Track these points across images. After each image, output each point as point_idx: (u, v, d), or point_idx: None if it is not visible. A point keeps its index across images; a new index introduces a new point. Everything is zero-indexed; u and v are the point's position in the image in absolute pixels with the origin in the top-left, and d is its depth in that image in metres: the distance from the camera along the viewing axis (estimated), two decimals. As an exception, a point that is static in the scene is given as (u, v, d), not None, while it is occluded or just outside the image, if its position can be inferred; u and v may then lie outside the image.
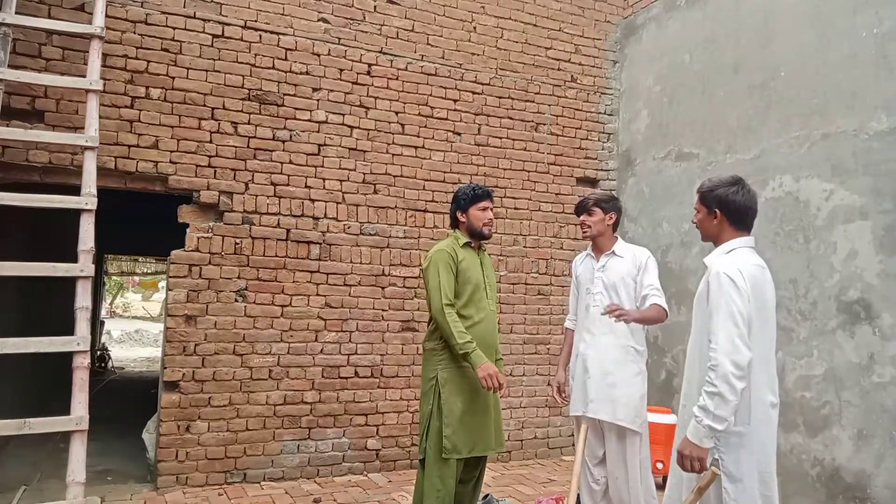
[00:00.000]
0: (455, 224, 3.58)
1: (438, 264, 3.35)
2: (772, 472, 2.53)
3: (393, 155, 5.30)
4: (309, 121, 5.02)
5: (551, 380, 3.99)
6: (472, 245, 3.52)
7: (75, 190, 3.77)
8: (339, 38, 5.16)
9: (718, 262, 2.55)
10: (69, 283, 3.57)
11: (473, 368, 3.24)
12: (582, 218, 3.73)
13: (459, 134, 5.56)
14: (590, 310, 3.70)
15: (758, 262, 2.59)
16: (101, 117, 4.08)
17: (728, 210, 2.61)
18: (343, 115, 5.14)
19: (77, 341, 3.40)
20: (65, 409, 3.33)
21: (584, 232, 3.76)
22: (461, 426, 3.29)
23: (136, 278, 21.95)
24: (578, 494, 4.01)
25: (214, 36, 4.78)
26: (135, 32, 4.57)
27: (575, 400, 3.72)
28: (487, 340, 3.42)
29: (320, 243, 5.01)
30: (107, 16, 4.25)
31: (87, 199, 3.67)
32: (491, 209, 3.53)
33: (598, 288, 3.66)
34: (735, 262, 2.52)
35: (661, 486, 3.60)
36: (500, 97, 5.72)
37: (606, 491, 3.66)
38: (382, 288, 5.19)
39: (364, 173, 5.19)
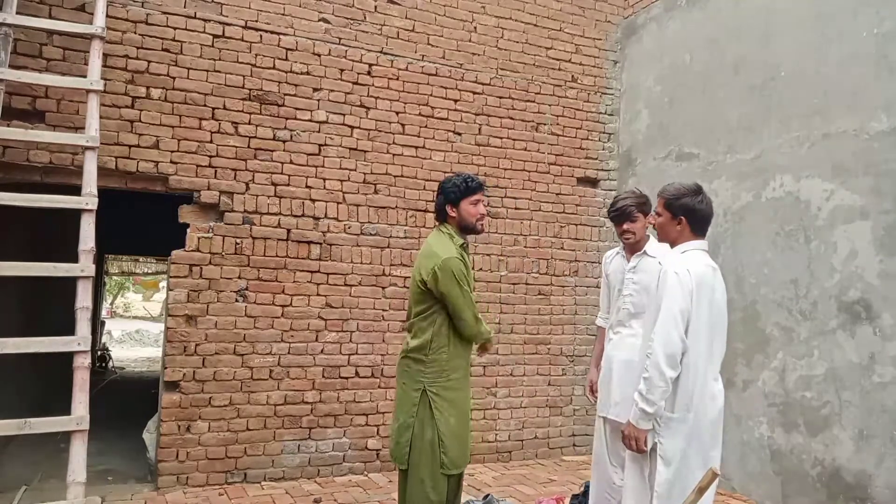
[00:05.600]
0: (442, 218, 3.29)
1: (459, 276, 3.09)
2: (715, 458, 2.72)
3: (393, 155, 5.30)
4: (309, 121, 5.02)
5: (587, 378, 3.99)
6: (465, 245, 3.30)
7: (76, 190, 3.78)
8: (340, 39, 5.16)
9: (670, 261, 2.79)
10: (69, 284, 3.57)
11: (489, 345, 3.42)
12: (626, 226, 3.56)
13: (460, 134, 5.56)
14: (619, 311, 3.65)
15: (709, 264, 2.80)
16: (101, 117, 4.08)
17: (692, 218, 2.82)
18: (343, 115, 5.14)
19: (77, 341, 3.41)
20: (65, 409, 3.33)
21: (626, 240, 3.60)
22: (457, 441, 3.20)
23: (138, 271, 21.85)
24: (586, 487, 3.98)
25: (215, 36, 4.78)
26: (135, 32, 4.57)
27: (600, 401, 3.70)
28: (470, 350, 3.41)
29: (321, 243, 5.01)
30: (107, 16, 4.25)
31: (88, 199, 3.67)
32: (484, 202, 3.27)
33: (630, 289, 3.60)
34: (686, 261, 2.74)
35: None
36: (500, 97, 5.72)
37: None
38: (383, 288, 5.19)
39: (365, 173, 5.19)
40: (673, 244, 2.88)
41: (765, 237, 4.65)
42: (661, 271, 2.77)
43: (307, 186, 4.99)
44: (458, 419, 3.21)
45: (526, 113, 5.82)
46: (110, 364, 12.42)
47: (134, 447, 5.14)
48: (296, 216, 4.95)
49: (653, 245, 3.61)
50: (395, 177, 5.29)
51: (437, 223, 3.37)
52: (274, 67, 4.93)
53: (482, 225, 3.31)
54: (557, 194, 5.92)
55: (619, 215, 3.58)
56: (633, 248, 3.64)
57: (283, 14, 4.98)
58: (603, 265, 3.93)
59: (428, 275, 3.12)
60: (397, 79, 5.34)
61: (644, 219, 3.57)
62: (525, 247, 5.76)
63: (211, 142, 4.73)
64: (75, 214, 3.67)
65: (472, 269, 3.67)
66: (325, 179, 5.05)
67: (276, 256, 4.87)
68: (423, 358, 3.19)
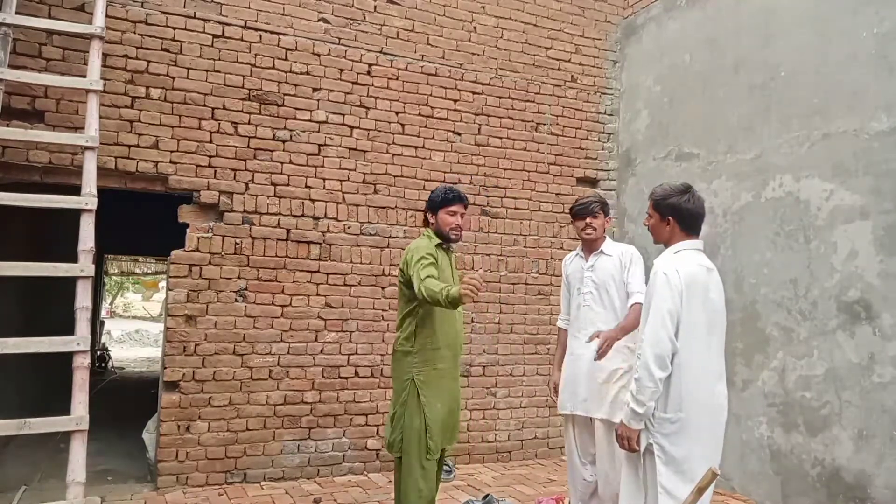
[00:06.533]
0: (426, 223, 3.55)
1: (424, 254, 3.27)
2: (714, 459, 2.70)
3: (393, 155, 5.29)
4: (309, 121, 5.02)
5: (549, 381, 4.03)
6: (444, 246, 3.49)
7: (75, 190, 3.77)
8: (340, 38, 5.16)
9: (659, 262, 2.77)
10: (69, 284, 3.57)
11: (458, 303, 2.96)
12: (588, 220, 3.72)
13: (459, 134, 5.55)
14: (580, 309, 3.76)
15: (702, 263, 2.78)
16: (101, 117, 4.08)
17: (680, 217, 2.81)
18: (343, 115, 5.14)
19: (77, 341, 3.40)
20: (65, 409, 3.33)
21: (587, 235, 3.74)
22: (440, 427, 3.32)
23: (137, 271, 21.87)
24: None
25: (214, 36, 4.78)
26: (135, 32, 4.57)
27: (565, 399, 3.76)
28: (458, 340, 3.46)
29: (320, 243, 5.01)
30: (107, 16, 4.25)
31: (88, 199, 3.67)
32: (461, 214, 3.45)
33: (588, 287, 3.72)
34: (676, 262, 2.72)
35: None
36: (500, 97, 5.72)
37: (596, 489, 3.69)
38: (382, 288, 5.19)
39: (364, 173, 5.19)
40: (666, 245, 2.88)
41: (764, 237, 4.65)
42: (651, 272, 2.78)
43: (307, 186, 4.99)
44: (444, 405, 3.34)
45: (525, 113, 5.82)
46: (110, 364, 12.42)
47: (133, 447, 5.14)
48: (295, 216, 4.94)
49: (609, 244, 3.77)
50: (394, 177, 5.29)
51: (423, 228, 3.61)
52: (273, 67, 4.93)
53: (456, 234, 3.48)
54: (557, 194, 5.92)
55: (583, 209, 3.75)
56: (591, 246, 3.77)
57: (283, 14, 4.98)
58: (563, 268, 4.03)
59: (403, 265, 3.36)
60: (397, 79, 5.34)
61: (604, 218, 3.75)
62: (525, 247, 5.77)
63: (210, 142, 4.73)
64: (75, 214, 3.66)
65: (457, 269, 3.75)
66: (324, 179, 5.05)
67: (276, 256, 4.87)
68: (410, 349, 3.35)
